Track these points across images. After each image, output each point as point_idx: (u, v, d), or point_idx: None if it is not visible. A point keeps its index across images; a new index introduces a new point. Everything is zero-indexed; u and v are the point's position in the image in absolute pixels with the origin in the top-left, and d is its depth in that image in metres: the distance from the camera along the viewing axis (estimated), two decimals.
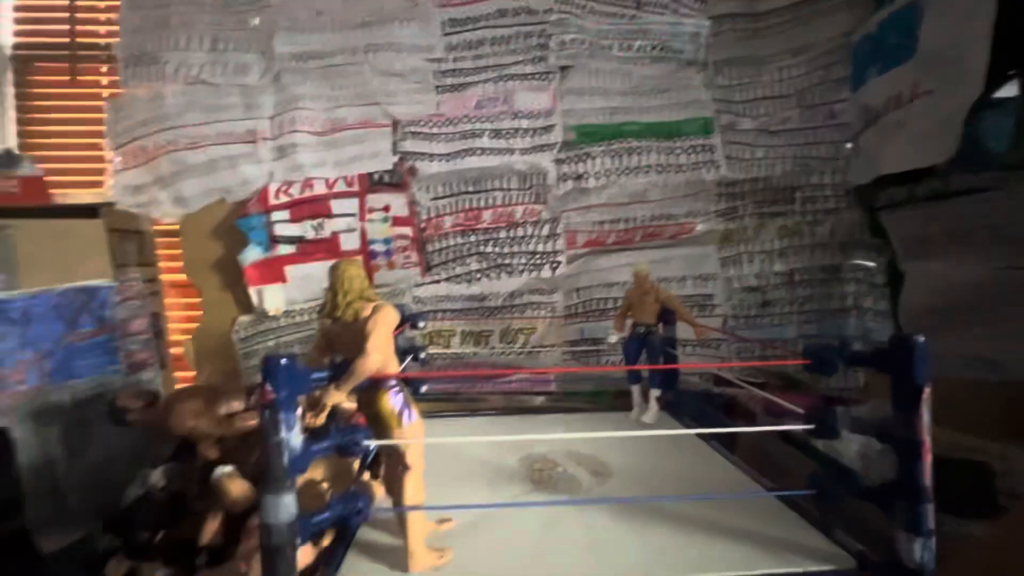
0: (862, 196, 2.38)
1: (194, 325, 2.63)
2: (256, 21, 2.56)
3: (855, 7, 2.35)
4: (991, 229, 1.79)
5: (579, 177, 2.56)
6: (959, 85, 1.78)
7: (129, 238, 2.28)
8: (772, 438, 1.95)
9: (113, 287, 2.06)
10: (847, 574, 1.06)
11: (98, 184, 2.62)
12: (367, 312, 1.14)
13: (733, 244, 2.61)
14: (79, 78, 2.70)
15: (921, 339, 1.02)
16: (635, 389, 2.12)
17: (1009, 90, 1.79)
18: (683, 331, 2.18)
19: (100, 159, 2.64)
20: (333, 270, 1.19)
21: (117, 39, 2.56)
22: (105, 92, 2.69)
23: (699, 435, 1.83)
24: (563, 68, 2.60)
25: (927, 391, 1.00)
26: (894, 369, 1.03)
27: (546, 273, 2.61)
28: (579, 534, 1.24)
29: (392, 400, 1.16)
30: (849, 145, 2.43)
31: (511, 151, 2.55)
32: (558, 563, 1.13)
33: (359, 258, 2.54)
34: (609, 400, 2.60)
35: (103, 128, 2.58)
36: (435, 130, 2.57)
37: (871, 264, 2.40)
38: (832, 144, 2.47)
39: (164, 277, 2.63)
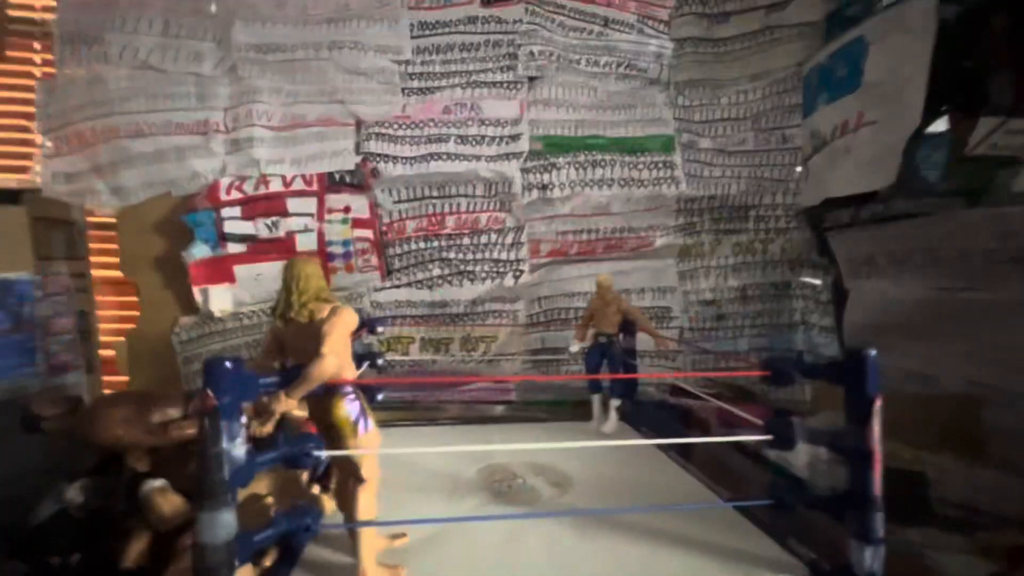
0: (810, 217, 2.50)
1: (129, 326, 2.43)
2: (213, 8, 2.43)
3: (808, 38, 2.49)
4: (927, 252, 1.92)
5: (544, 187, 2.56)
6: (899, 117, 1.91)
7: (56, 228, 2.09)
8: (726, 447, 1.99)
9: (34, 281, 1.87)
10: None
11: (23, 169, 2.40)
12: (323, 314, 1.08)
13: (691, 259, 2.69)
14: (7, 54, 2.47)
15: (873, 353, 1.06)
16: (595, 399, 2.13)
17: (942, 124, 1.93)
18: (643, 342, 2.21)
19: (27, 142, 2.42)
20: (288, 268, 1.12)
21: (54, 15, 2.37)
22: (37, 71, 2.47)
23: (657, 445, 1.85)
24: (531, 79, 2.61)
25: (879, 403, 1.04)
26: (848, 381, 1.07)
27: (509, 281, 2.58)
28: (539, 547, 1.21)
29: (347, 408, 1.09)
30: (799, 169, 2.56)
31: (477, 158, 2.53)
32: None
33: (316, 257, 2.44)
34: (569, 410, 2.59)
35: (30, 110, 2.37)
36: (400, 132, 2.52)
37: (817, 282, 2.53)
38: (784, 167, 2.60)
39: (96, 272, 2.42)
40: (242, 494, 1.26)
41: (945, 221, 1.81)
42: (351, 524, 1.09)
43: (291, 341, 1.13)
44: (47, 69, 2.43)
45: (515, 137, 2.56)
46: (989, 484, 1.58)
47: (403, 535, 1.25)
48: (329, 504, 1.43)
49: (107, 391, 2.31)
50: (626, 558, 1.17)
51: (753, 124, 2.65)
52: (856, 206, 2.15)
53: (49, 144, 2.37)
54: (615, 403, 2.07)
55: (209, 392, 0.88)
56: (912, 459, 1.70)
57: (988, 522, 1.53)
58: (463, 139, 2.54)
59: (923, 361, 1.91)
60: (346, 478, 1.13)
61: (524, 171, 2.56)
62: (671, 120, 2.67)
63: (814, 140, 2.38)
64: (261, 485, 1.37)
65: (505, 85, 2.59)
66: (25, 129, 2.42)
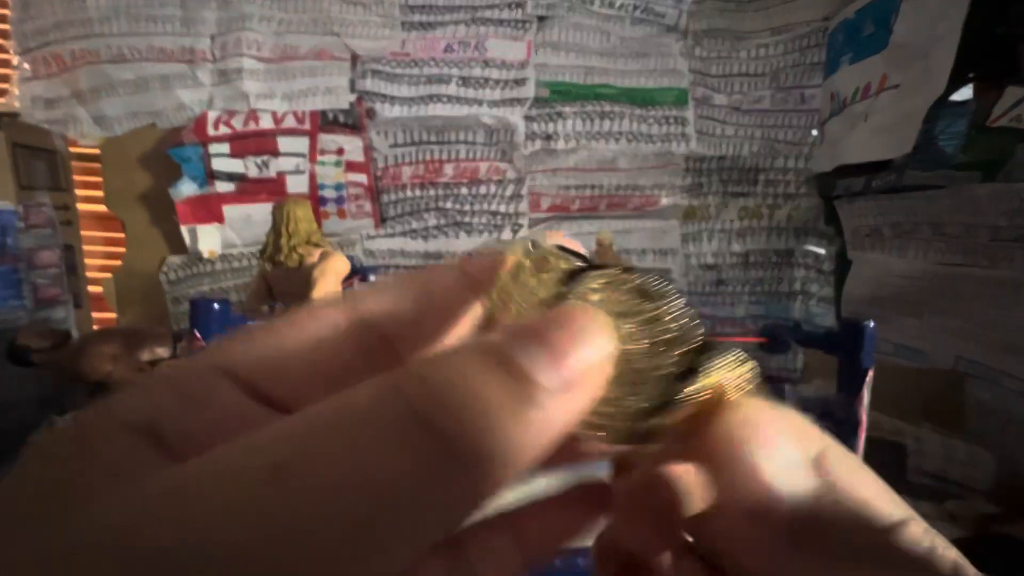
0: (821, 184, 2.44)
1: (116, 263, 2.39)
2: None
3: None
4: (933, 226, 1.88)
5: (548, 137, 2.46)
6: (924, 82, 1.81)
7: (37, 157, 2.00)
8: None
9: (16, 211, 1.81)
10: None
11: (0, 92, 2.27)
12: (313, 259, 1.05)
13: (695, 221, 2.63)
14: None
15: (870, 324, 1.04)
16: None
17: (966, 92, 1.84)
18: None
19: (4, 63, 2.28)
20: (278, 209, 1.08)
21: None
22: None
23: None
24: (540, 19, 2.45)
25: (870, 374, 1.04)
26: (843, 352, 1.06)
27: (507, 235, 2.53)
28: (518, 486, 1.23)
29: None
30: (815, 132, 2.46)
31: (479, 102, 2.41)
32: None
33: (307, 200, 2.36)
34: None
35: (7, 27, 2.21)
36: (398, 71, 2.38)
37: (821, 251, 2.49)
38: (800, 129, 2.50)
39: (82, 207, 2.34)
40: None
41: (955, 195, 1.76)
42: None
43: (280, 285, 1.10)
44: None
45: (520, 82, 2.44)
46: (963, 456, 1.62)
47: None
48: None
49: (96, 327, 2.29)
50: None
51: (771, 82, 2.52)
52: (869, 175, 2.09)
53: (26, 66, 2.23)
54: None
55: (196, 332, 0.85)
56: (893, 430, 1.73)
57: (958, 492, 1.59)
58: (465, 81, 2.42)
59: (915, 335, 1.92)
60: None
61: (528, 119, 2.45)
62: (686, 72, 2.54)
63: (833, 102, 2.27)
64: None
65: (512, 24, 2.44)
66: (1, 48, 2.27)
